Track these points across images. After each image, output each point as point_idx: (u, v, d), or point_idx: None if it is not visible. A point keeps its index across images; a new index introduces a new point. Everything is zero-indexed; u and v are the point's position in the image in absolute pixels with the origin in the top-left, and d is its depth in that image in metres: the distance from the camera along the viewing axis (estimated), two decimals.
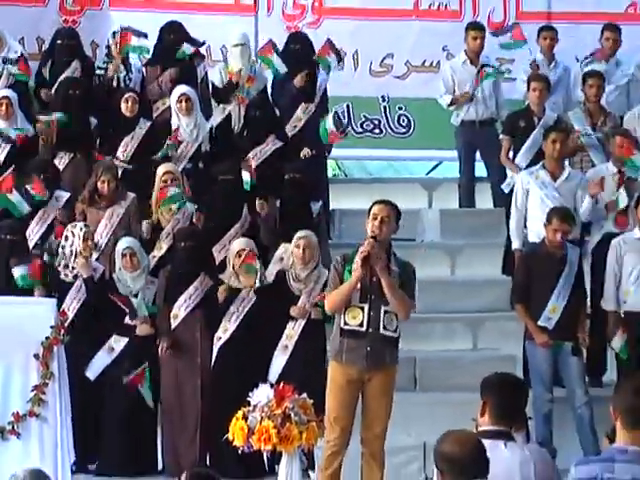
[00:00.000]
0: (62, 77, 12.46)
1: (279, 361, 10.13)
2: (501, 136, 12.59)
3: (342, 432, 8.72)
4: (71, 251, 10.41)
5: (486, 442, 6.03)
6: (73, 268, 10.37)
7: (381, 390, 8.77)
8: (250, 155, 11.76)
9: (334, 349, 8.89)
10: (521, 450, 6.12)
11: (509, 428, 6.17)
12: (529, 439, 6.60)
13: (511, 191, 11.75)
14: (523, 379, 10.73)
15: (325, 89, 12.86)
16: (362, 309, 8.81)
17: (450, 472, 5.22)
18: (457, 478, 5.22)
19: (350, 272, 8.79)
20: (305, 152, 12.07)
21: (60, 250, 10.48)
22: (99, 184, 11.11)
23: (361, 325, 8.80)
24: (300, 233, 10.42)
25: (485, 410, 6.18)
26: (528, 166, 11.82)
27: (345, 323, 8.83)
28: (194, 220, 11.19)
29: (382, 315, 8.77)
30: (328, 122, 12.06)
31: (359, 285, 8.75)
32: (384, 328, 8.78)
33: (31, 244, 10.76)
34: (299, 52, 12.85)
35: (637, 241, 10.77)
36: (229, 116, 12.33)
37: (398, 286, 8.81)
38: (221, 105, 12.44)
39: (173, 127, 11.93)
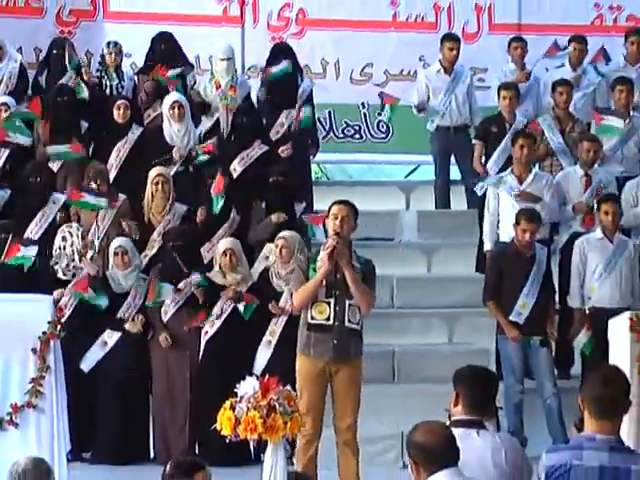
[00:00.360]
0: (55, 86, 12.45)
1: (263, 355, 10.17)
2: (474, 141, 12.62)
3: (314, 422, 8.75)
4: (72, 250, 10.43)
5: (460, 431, 6.07)
6: (74, 267, 10.38)
7: (348, 382, 8.76)
8: (237, 159, 11.77)
9: (302, 343, 8.88)
10: (493, 438, 6.15)
11: (481, 417, 6.20)
12: (499, 428, 6.60)
13: (484, 193, 11.78)
14: (495, 371, 10.87)
15: (310, 95, 12.86)
16: (328, 304, 8.80)
17: (423, 460, 5.26)
18: (430, 466, 5.25)
19: (315, 270, 8.80)
20: (285, 151, 12.07)
21: (59, 250, 10.48)
22: (92, 183, 11.09)
23: (328, 319, 8.80)
24: (280, 234, 10.46)
25: (458, 401, 6.21)
26: (500, 170, 11.86)
27: (312, 318, 8.82)
28: (198, 218, 11.26)
29: (347, 309, 8.78)
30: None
31: (324, 281, 8.76)
32: (349, 321, 8.79)
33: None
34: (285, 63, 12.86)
35: (599, 241, 10.84)
36: (218, 122, 12.35)
37: (361, 279, 8.83)
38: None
39: (165, 133, 11.93)
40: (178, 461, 6.06)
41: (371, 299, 8.96)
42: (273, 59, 12.90)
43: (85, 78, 12.51)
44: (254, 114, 12.45)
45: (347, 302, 8.78)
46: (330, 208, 8.93)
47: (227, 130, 12.25)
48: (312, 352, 8.78)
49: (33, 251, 10.24)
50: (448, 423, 6.18)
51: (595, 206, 11.13)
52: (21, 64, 12.77)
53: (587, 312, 10.73)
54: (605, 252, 10.80)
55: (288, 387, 6.14)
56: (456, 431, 6.04)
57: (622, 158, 12.26)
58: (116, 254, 10.46)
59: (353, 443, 8.81)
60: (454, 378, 6.29)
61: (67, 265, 10.43)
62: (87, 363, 10.17)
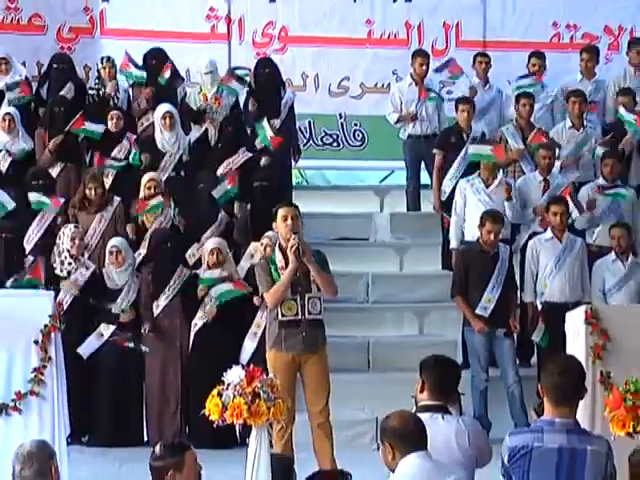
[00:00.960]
0: (54, 97, 12.44)
1: (249, 346, 10.16)
2: (434, 151, 12.58)
3: (287, 410, 8.73)
4: (60, 250, 10.41)
5: (426, 415, 6.10)
6: (69, 264, 10.37)
7: (318, 369, 8.75)
8: (223, 165, 11.76)
9: (272, 340, 8.85)
10: (456, 422, 6.18)
11: (445, 402, 6.22)
12: (462, 412, 6.63)
13: (450, 197, 11.80)
14: (461, 360, 10.90)
15: (292, 106, 12.86)
16: (295, 300, 8.79)
17: (397, 444, 5.33)
18: (403, 448, 5.31)
19: (276, 270, 8.79)
20: (264, 161, 12.07)
21: (55, 249, 10.47)
22: (87, 191, 11.10)
23: (296, 314, 8.77)
24: (266, 233, 10.45)
25: (424, 387, 6.23)
26: (463, 175, 11.88)
27: (283, 315, 8.79)
28: (176, 222, 11.19)
29: (307, 302, 8.77)
30: (266, 129, 12.14)
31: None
32: (309, 313, 8.77)
33: (31, 244, 10.72)
34: (268, 75, 12.87)
35: (549, 240, 10.88)
36: (206, 131, 12.35)
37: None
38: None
39: (157, 140, 11.92)
40: (167, 443, 6.06)
41: (334, 284, 8.94)
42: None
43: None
44: (239, 124, 12.48)
45: (307, 296, 8.77)
46: (277, 211, 8.85)
47: (214, 138, 12.26)
48: (284, 346, 8.75)
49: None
50: (414, 409, 6.21)
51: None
52: (25, 77, 12.76)
53: (541, 307, 10.74)
54: (555, 250, 10.83)
55: (271, 375, 6.15)
56: (423, 415, 6.07)
57: (578, 165, 12.31)
58: (111, 253, 10.46)
59: (326, 426, 8.80)
60: (420, 367, 6.33)
61: (62, 262, 10.41)
62: (84, 349, 10.13)
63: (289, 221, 8.72)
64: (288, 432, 8.74)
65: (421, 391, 6.27)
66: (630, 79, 13.37)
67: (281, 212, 8.81)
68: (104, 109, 12.37)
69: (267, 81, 12.82)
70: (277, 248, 8.92)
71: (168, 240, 10.74)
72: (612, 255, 10.78)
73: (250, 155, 11.98)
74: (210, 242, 10.62)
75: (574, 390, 5.87)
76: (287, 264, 8.73)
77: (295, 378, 8.80)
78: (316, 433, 8.85)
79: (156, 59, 12.85)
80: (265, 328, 10.11)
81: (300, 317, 8.78)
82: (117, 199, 11.18)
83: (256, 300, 10.25)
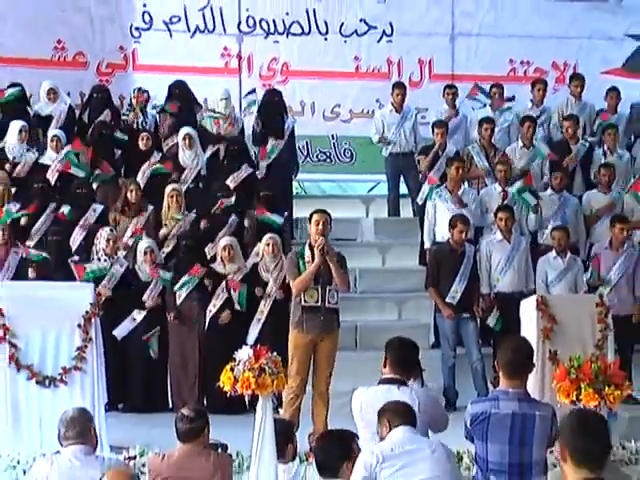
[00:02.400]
0: (95, 121, 12.45)
1: (254, 329, 10.15)
2: (418, 162, 12.62)
3: (302, 381, 8.80)
4: (97, 249, 10.42)
5: (385, 387, 6.15)
6: (105, 261, 10.36)
7: (330, 348, 8.86)
8: (229, 178, 11.75)
9: (295, 321, 8.90)
10: (410, 392, 6.18)
11: (404, 377, 6.23)
12: (423, 384, 6.61)
13: (424, 204, 11.78)
14: (433, 341, 10.90)
15: (293, 129, 12.85)
16: (316, 290, 8.85)
17: (393, 419, 5.53)
18: (396, 421, 5.52)
19: (304, 263, 8.87)
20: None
21: (93, 248, 10.48)
22: (128, 193, 11.12)
23: (317, 301, 8.85)
24: (268, 235, 10.48)
25: (386, 363, 6.24)
26: (437, 186, 11.82)
27: (305, 301, 8.85)
28: (201, 226, 11.21)
29: (327, 293, 8.84)
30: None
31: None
32: (329, 302, 8.86)
33: (75, 245, 10.72)
34: (273, 103, 12.86)
35: (499, 242, 10.83)
36: (218, 150, 12.36)
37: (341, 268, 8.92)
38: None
39: (179, 157, 11.93)
40: (194, 407, 6.15)
41: (348, 281, 9.10)
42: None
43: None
44: (243, 144, 12.47)
45: (328, 287, 8.84)
46: (311, 216, 8.99)
47: (222, 156, 12.28)
48: (305, 327, 8.82)
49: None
50: (378, 381, 6.23)
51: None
52: (70, 105, 12.78)
53: (494, 296, 10.73)
54: (505, 250, 10.79)
55: (274, 354, 6.16)
56: (382, 387, 6.12)
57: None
58: (145, 253, 10.45)
59: (325, 395, 8.87)
60: (385, 346, 6.34)
61: (99, 260, 10.41)
62: (119, 332, 10.11)
63: (320, 225, 8.84)
64: (298, 401, 8.83)
65: (384, 366, 6.29)
66: (572, 107, 13.39)
67: (314, 217, 8.94)
68: (134, 131, 12.42)
69: (272, 108, 12.82)
70: (307, 246, 8.96)
71: (187, 240, 10.74)
72: (553, 253, 10.74)
73: (251, 170, 11.98)
74: (223, 240, 10.60)
75: (524, 365, 5.90)
76: (314, 259, 8.83)
77: (310, 355, 8.86)
78: (316, 401, 8.89)
79: (179, 89, 12.89)
80: (267, 314, 10.19)
81: (320, 304, 8.86)
82: (150, 207, 11.17)
83: (257, 291, 10.27)
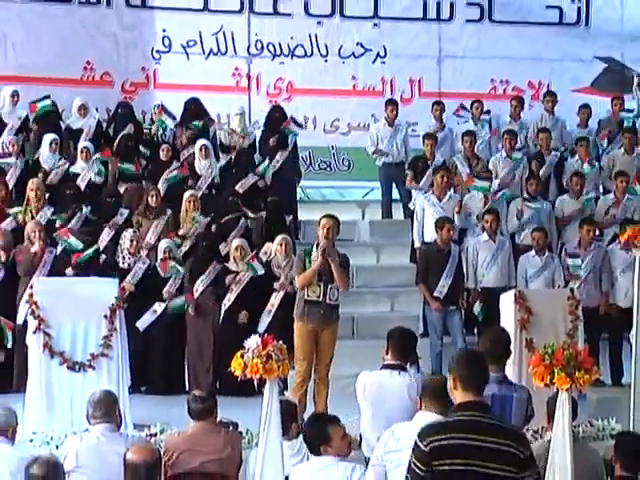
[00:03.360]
0: (121, 134, 12.47)
1: (265, 320, 10.14)
2: (407, 171, 12.60)
3: (307, 366, 8.79)
4: (122, 249, 10.42)
5: (387, 371, 6.15)
6: (128, 259, 10.34)
7: (329, 338, 8.83)
8: (238, 185, 11.77)
9: (298, 313, 8.89)
10: (410, 377, 6.21)
11: (404, 363, 6.25)
12: (419, 370, 6.65)
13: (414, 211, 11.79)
14: (422, 330, 10.90)
15: (295, 142, 12.83)
16: (319, 286, 8.83)
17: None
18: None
19: (310, 261, 8.86)
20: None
21: (119, 247, 10.48)
22: (149, 198, 11.10)
23: (319, 297, 8.83)
24: (281, 236, 10.46)
25: (388, 350, 6.25)
26: (425, 192, 11.86)
27: (308, 295, 8.85)
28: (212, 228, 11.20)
29: (329, 290, 8.82)
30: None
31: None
32: (330, 299, 8.84)
33: (103, 244, 10.71)
34: (278, 118, 12.86)
35: (485, 242, 10.86)
36: (230, 160, 12.37)
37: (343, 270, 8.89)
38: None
39: (195, 166, 11.92)
40: (205, 389, 6.16)
41: (348, 281, 9.09)
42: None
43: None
44: (251, 155, 12.45)
45: (329, 285, 8.82)
46: (320, 220, 8.98)
47: (233, 165, 12.31)
48: (306, 319, 8.81)
49: (79, 245, 10.17)
50: (380, 366, 6.25)
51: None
52: (98, 120, 12.79)
53: (480, 290, 10.73)
54: (490, 249, 10.83)
55: (280, 342, 6.16)
56: (385, 372, 6.13)
57: (512, 183, 12.32)
58: (164, 251, 10.44)
59: (325, 379, 8.84)
60: (387, 335, 6.36)
61: (123, 258, 10.41)
62: (141, 323, 10.11)
63: (325, 230, 8.84)
64: (306, 384, 8.81)
65: (387, 353, 6.31)
66: (546, 121, 13.41)
67: (322, 221, 8.94)
68: (154, 143, 12.44)
69: (279, 123, 12.81)
70: (315, 246, 8.94)
71: (203, 240, 10.73)
72: (532, 252, 10.76)
73: (257, 178, 11.97)
74: (235, 241, 10.59)
75: (502, 353, 5.92)
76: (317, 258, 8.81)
77: (313, 344, 8.82)
78: (318, 384, 8.88)
79: (194, 105, 12.91)
80: (277, 306, 10.18)
81: (321, 299, 8.82)
82: (169, 211, 11.16)
83: (276, 285, 10.25)
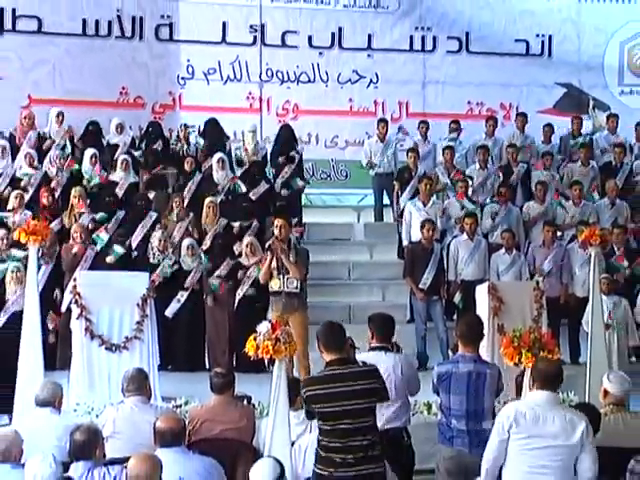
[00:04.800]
0: (149, 148, 12.49)
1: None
2: (394, 182, 12.58)
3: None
4: (152, 247, 10.41)
5: (374, 352, 6.13)
6: (158, 255, 10.34)
7: (297, 324, 8.45)
8: (251, 193, 11.72)
9: (270, 305, 9.01)
10: (394, 357, 6.16)
11: (388, 344, 6.20)
12: (400, 350, 6.61)
13: (402, 212, 11.76)
14: (409, 317, 10.86)
15: (302, 155, 12.77)
16: (279, 278, 8.83)
17: (542, 382, 5.02)
18: (547, 387, 5.01)
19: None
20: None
21: (149, 245, 10.46)
22: (174, 203, 11.09)
23: (279, 287, 8.85)
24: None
25: (372, 334, 6.21)
26: (411, 198, 11.84)
27: (271, 287, 8.91)
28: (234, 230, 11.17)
29: (286, 281, 8.81)
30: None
31: (275, 264, 8.82)
32: (287, 287, 8.82)
33: (135, 242, 10.68)
34: (286, 136, 12.80)
35: (465, 241, 10.83)
36: (244, 171, 12.33)
37: (294, 261, 8.84)
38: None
39: (214, 177, 11.91)
40: (225, 368, 6.16)
41: (301, 271, 8.92)
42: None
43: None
44: (262, 168, 12.37)
45: (286, 276, 8.78)
46: (273, 220, 9.06)
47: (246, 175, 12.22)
48: (273, 308, 8.86)
49: (105, 238, 10.27)
50: (368, 348, 6.19)
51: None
52: (132, 137, 12.79)
53: (460, 282, 10.73)
54: (469, 247, 10.78)
55: (288, 327, 6.16)
56: (372, 353, 6.10)
57: (484, 191, 12.32)
58: (188, 248, 10.43)
59: (305, 362, 8.76)
60: (368, 320, 6.31)
61: (153, 255, 10.40)
62: (169, 311, 10.12)
63: (277, 229, 8.89)
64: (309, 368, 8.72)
65: (371, 337, 6.25)
66: (516, 138, 13.38)
67: (275, 221, 9.04)
68: (180, 156, 12.43)
69: (286, 139, 12.78)
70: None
71: (221, 239, 10.71)
72: (502, 250, 10.75)
73: (267, 186, 11.93)
74: (246, 239, 10.55)
75: (477, 336, 5.92)
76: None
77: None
78: (299, 370, 8.79)
79: (212, 125, 12.88)
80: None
81: (281, 290, 8.80)
82: (191, 214, 11.12)
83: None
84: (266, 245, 8.74)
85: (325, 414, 5.05)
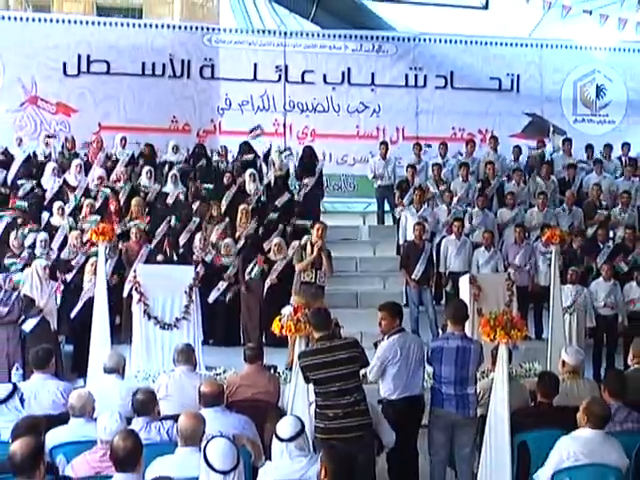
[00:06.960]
0: (197, 165, 12.47)
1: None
2: (395, 191, 12.51)
3: None
4: (195, 246, 10.40)
5: (397, 335, 5.98)
6: (199, 253, 10.32)
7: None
8: (277, 201, 11.66)
9: (296, 290, 8.93)
10: (410, 337, 6.11)
11: (398, 326, 6.14)
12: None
13: (399, 218, 11.74)
14: (404, 303, 10.78)
15: (321, 170, 12.68)
16: (312, 271, 8.80)
17: (595, 420, 4.76)
18: (597, 426, 4.76)
19: (305, 252, 8.90)
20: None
21: (194, 244, 10.45)
22: (213, 210, 11.06)
23: (312, 279, 8.81)
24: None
25: (385, 319, 6.02)
26: (408, 204, 11.80)
27: (304, 278, 8.85)
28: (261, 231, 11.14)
29: (319, 275, 8.77)
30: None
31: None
32: (319, 281, 8.81)
33: (182, 242, 10.66)
34: (309, 157, 12.67)
35: (454, 240, 10.76)
36: (269, 184, 12.28)
37: (329, 263, 8.87)
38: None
39: (246, 188, 11.85)
40: (256, 343, 6.10)
41: (331, 269, 8.95)
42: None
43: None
44: (285, 180, 12.30)
45: (319, 272, 8.79)
46: (314, 224, 9.12)
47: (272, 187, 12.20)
48: (302, 295, 8.73)
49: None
50: (390, 333, 5.96)
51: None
52: (185, 158, 12.78)
53: (448, 274, 10.65)
54: (456, 245, 10.72)
55: (307, 310, 6.12)
56: (395, 336, 5.98)
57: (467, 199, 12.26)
58: (225, 247, 10.41)
59: None
60: (379, 307, 6.15)
61: (196, 252, 10.37)
62: (211, 298, 10.10)
63: (319, 231, 8.90)
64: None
65: (384, 321, 6.03)
66: (491, 156, 13.30)
67: (316, 225, 9.06)
68: (220, 172, 12.39)
69: (308, 157, 12.70)
70: (308, 242, 8.93)
71: (252, 239, 10.68)
72: (482, 247, 10.68)
73: (290, 196, 11.87)
74: (275, 239, 10.54)
75: (462, 317, 5.87)
76: (312, 252, 8.77)
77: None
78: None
79: (246, 146, 12.89)
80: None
81: (314, 281, 8.77)
82: (227, 219, 11.08)
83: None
84: (301, 242, 8.68)
85: (318, 379, 5.29)
